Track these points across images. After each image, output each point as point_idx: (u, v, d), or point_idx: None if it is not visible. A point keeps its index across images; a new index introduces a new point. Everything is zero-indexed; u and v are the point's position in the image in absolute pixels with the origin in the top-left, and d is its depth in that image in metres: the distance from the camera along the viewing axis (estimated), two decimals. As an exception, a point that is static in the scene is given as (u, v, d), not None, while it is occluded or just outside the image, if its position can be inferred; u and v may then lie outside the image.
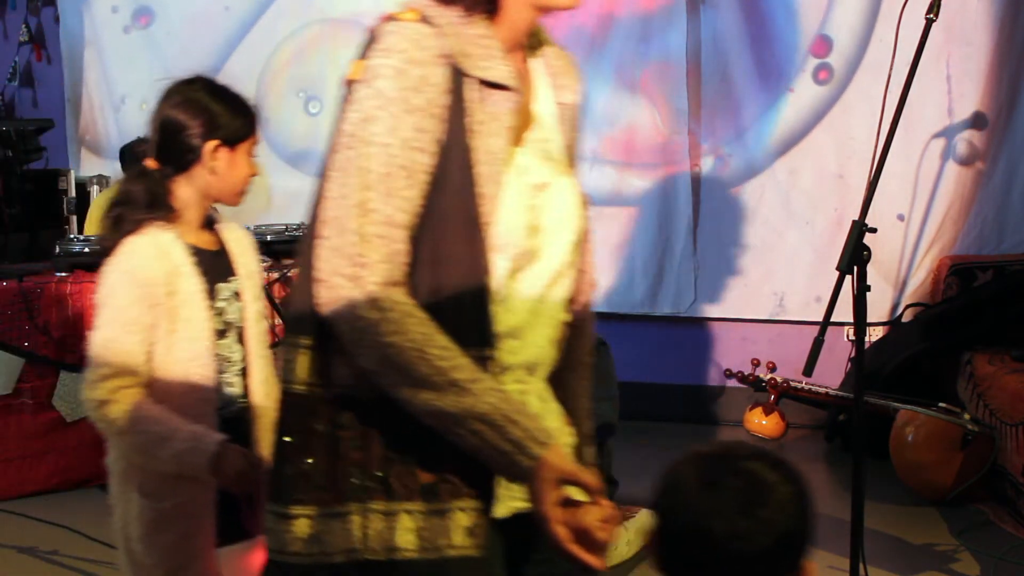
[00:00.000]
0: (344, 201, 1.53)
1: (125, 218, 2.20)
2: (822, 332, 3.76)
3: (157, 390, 2.15)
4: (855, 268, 3.31)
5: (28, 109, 6.64)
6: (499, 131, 1.58)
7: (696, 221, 5.49)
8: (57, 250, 4.99)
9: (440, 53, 1.54)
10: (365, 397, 1.56)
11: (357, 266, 1.51)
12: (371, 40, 1.58)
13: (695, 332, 5.62)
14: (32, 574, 3.91)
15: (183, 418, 2.13)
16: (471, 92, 1.56)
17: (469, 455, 1.53)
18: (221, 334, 2.25)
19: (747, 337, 5.53)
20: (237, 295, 2.30)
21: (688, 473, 1.42)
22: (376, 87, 1.53)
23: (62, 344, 4.78)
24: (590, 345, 1.83)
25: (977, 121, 5.15)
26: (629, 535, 3.78)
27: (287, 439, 1.62)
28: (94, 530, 4.24)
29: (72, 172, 6.03)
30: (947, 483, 4.32)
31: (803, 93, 5.32)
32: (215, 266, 2.27)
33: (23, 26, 6.60)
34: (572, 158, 1.79)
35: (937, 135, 5.17)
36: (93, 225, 5.72)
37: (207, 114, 2.23)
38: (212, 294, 2.23)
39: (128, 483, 2.20)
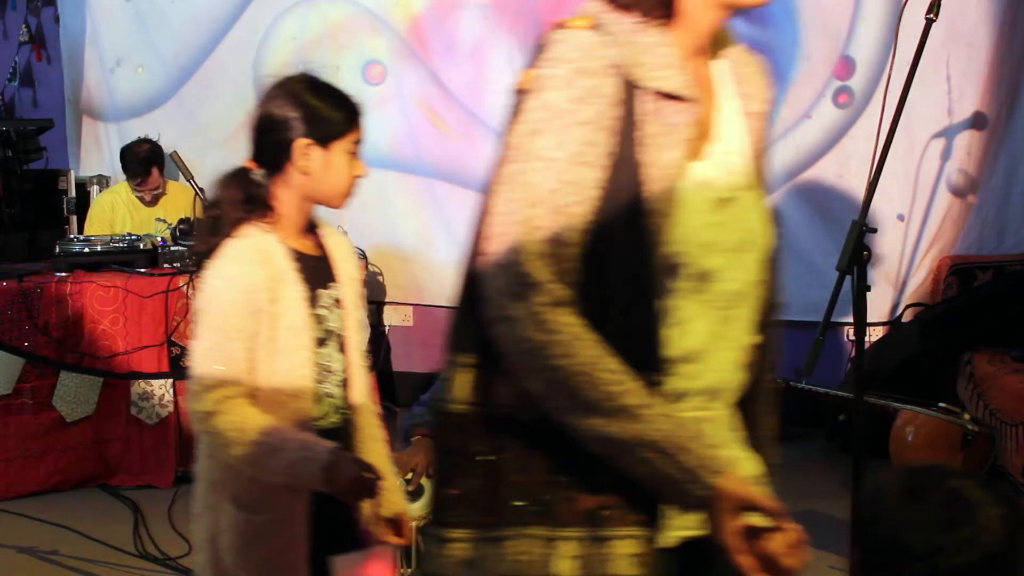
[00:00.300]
0: (510, 217, 1.46)
1: (223, 220, 2.10)
2: (822, 332, 3.75)
3: (257, 400, 2.06)
4: (855, 268, 3.31)
5: (28, 109, 6.64)
6: (674, 144, 1.49)
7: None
8: (57, 250, 4.99)
9: (611, 63, 1.46)
10: (527, 419, 1.49)
11: (524, 285, 1.43)
12: (540, 48, 1.50)
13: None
14: (32, 574, 3.91)
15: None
16: (644, 103, 1.47)
17: (634, 480, 1.46)
18: (321, 342, 2.14)
19: (747, 337, 5.52)
20: (338, 302, 2.19)
21: (892, 484, 1.39)
22: (544, 98, 1.46)
23: (62, 344, 4.78)
24: (772, 369, 1.71)
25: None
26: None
27: (446, 460, 1.56)
28: (94, 530, 4.25)
29: (72, 172, 6.04)
30: (947, 483, 4.32)
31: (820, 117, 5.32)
32: (316, 272, 2.16)
33: (23, 26, 6.60)
34: (759, 171, 1.66)
35: (937, 135, 5.17)
36: (93, 225, 5.72)
37: (298, 111, 2.09)
38: (313, 301, 2.13)
39: (220, 493, 2.11)
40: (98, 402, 4.84)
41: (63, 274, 4.86)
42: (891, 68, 3.84)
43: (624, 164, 1.47)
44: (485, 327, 1.49)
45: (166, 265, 5.01)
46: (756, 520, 1.44)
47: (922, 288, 5.23)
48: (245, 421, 2.01)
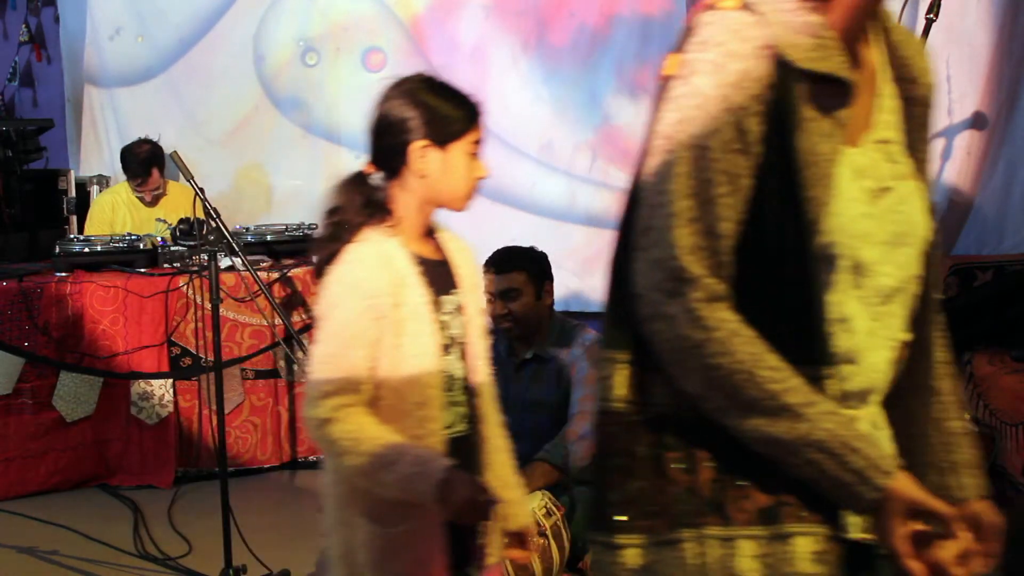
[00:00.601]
0: (662, 210, 1.39)
1: (343, 226, 2.03)
2: (822, 332, 3.77)
3: (380, 409, 1.99)
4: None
5: (28, 109, 6.65)
6: (830, 130, 1.41)
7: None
8: (57, 250, 4.99)
9: (763, 44, 1.38)
10: (689, 416, 1.43)
11: (678, 280, 1.37)
12: (688, 32, 1.43)
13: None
14: (32, 574, 3.91)
15: (408, 439, 1.97)
16: (798, 87, 1.40)
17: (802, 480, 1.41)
18: (445, 350, 2.07)
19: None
20: (460, 308, 2.12)
21: None
22: (693, 84, 1.39)
23: (62, 344, 4.78)
24: (938, 367, 1.62)
25: (977, 121, 5.15)
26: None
27: (610, 462, 1.48)
28: (94, 530, 4.25)
29: (72, 172, 6.05)
30: (947, 483, 4.32)
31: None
32: (439, 277, 2.08)
33: (23, 26, 6.60)
34: (921, 160, 1.56)
35: (937, 135, 5.17)
36: (93, 225, 5.72)
37: (414, 112, 2.03)
38: (436, 306, 2.06)
39: (351, 507, 2.04)
40: (98, 402, 4.84)
41: (63, 274, 4.87)
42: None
43: (777, 151, 1.40)
44: (638, 324, 1.43)
45: (166, 265, 5.01)
46: (927, 525, 1.38)
47: (922, 288, 5.23)
48: (361, 430, 1.94)
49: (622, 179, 5.56)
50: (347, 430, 1.94)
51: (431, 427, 2.02)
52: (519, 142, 5.71)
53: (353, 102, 5.91)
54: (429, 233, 2.13)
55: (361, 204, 2.05)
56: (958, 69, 5.11)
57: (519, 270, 3.69)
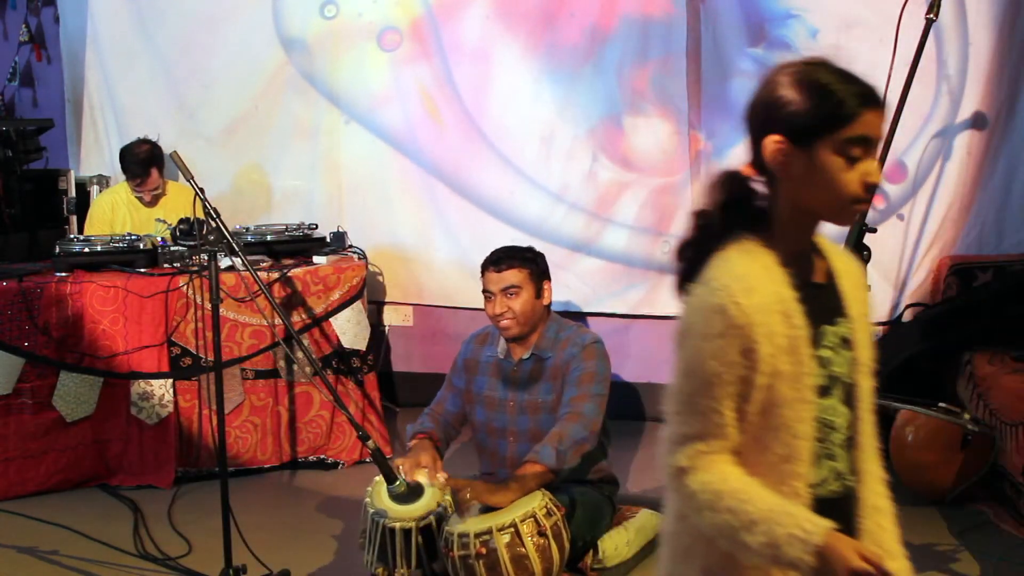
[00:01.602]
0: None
1: (710, 233, 1.76)
2: (822, 332, 3.76)
3: (743, 459, 1.72)
4: (855, 268, 3.30)
5: (28, 109, 6.64)
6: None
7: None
8: (57, 250, 4.99)
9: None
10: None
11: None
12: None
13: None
14: (32, 574, 3.91)
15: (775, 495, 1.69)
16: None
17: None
18: (824, 391, 1.74)
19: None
20: (846, 342, 1.78)
21: None
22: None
23: (62, 344, 4.78)
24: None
25: (977, 121, 5.15)
26: (629, 535, 3.78)
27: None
28: (94, 530, 4.25)
29: (72, 172, 6.04)
30: (947, 483, 4.32)
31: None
32: (821, 303, 1.76)
33: (23, 26, 6.60)
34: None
35: (937, 135, 5.17)
36: (93, 225, 5.72)
37: (776, 102, 1.70)
38: (816, 339, 1.73)
39: (688, 562, 1.79)
40: (98, 402, 4.84)
41: (63, 274, 4.87)
42: (891, 68, 3.84)
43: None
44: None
45: (166, 265, 5.01)
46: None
47: (922, 288, 5.23)
48: (723, 482, 1.68)
49: (622, 179, 5.56)
50: (707, 481, 1.69)
51: (796, 485, 1.72)
52: (520, 142, 5.71)
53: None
54: (812, 249, 1.80)
55: (730, 208, 1.75)
56: (958, 69, 5.11)
57: (519, 268, 3.70)
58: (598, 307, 5.68)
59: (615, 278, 5.65)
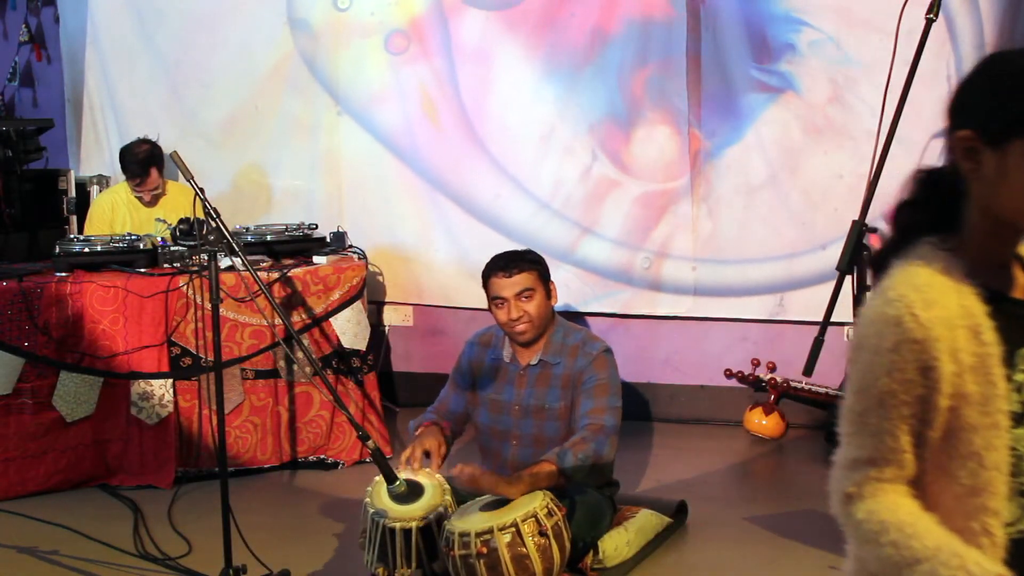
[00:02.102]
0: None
1: (905, 231, 1.63)
2: (822, 332, 3.76)
3: (923, 490, 1.58)
4: (855, 268, 3.32)
5: (28, 109, 6.65)
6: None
7: (696, 221, 5.49)
8: (57, 250, 4.99)
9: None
10: None
11: None
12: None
13: (695, 332, 5.63)
14: (32, 574, 3.91)
15: (952, 534, 1.53)
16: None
17: None
18: (1019, 420, 1.56)
19: (747, 337, 5.53)
20: None
21: None
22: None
23: (62, 344, 4.78)
24: None
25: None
26: (629, 535, 3.78)
27: None
28: (94, 530, 4.25)
29: (72, 172, 6.05)
30: (947, 483, 4.31)
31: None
32: (1020, 321, 1.57)
33: (23, 26, 6.60)
34: None
35: (937, 135, 5.17)
36: (93, 225, 5.73)
37: (971, 93, 1.56)
38: (1011, 360, 1.55)
39: None
40: (98, 402, 4.84)
41: (63, 274, 4.87)
42: (891, 68, 3.84)
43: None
44: None
45: (166, 265, 5.01)
46: None
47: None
48: (892, 513, 1.54)
49: (621, 178, 5.56)
50: (873, 511, 1.55)
51: (987, 521, 1.55)
52: (519, 142, 5.71)
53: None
54: (1012, 261, 1.62)
55: (924, 208, 1.62)
56: (958, 69, 5.11)
57: (529, 270, 3.68)
58: (596, 307, 5.68)
59: (605, 281, 5.64)
